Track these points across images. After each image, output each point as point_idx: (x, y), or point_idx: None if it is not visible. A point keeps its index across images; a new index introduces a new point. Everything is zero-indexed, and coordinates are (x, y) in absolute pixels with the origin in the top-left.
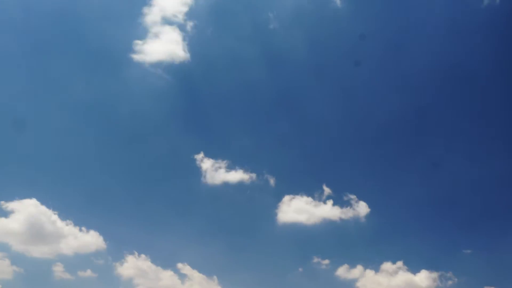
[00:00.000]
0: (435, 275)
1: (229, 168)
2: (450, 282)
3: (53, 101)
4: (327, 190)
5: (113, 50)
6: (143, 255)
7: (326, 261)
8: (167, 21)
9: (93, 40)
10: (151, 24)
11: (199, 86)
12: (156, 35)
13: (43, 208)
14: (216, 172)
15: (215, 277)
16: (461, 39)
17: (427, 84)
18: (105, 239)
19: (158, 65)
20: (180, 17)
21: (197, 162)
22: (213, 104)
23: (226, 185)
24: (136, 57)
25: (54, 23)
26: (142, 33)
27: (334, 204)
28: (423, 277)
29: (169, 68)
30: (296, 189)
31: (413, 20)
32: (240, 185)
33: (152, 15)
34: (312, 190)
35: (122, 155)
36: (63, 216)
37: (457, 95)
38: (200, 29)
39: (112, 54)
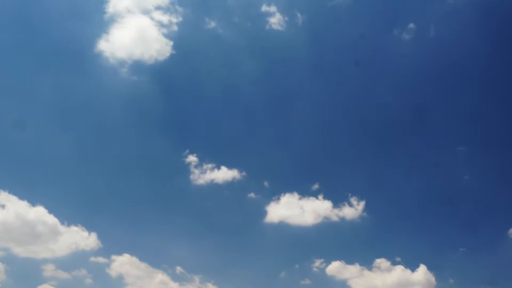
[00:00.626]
0: (431, 273)
1: (220, 167)
2: (445, 281)
3: (49, 102)
4: (321, 189)
5: (80, 45)
6: (135, 255)
7: (321, 260)
8: (140, 9)
9: (57, 36)
10: (122, 14)
11: (186, 82)
12: (129, 26)
13: (33, 206)
14: (207, 172)
15: (207, 277)
16: (460, 37)
17: (423, 83)
18: (97, 238)
19: (139, 61)
20: (158, 4)
21: (188, 162)
22: (199, 102)
23: (217, 184)
24: (113, 53)
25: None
26: (109, 25)
27: (328, 203)
28: (420, 275)
29: (151, 64)
30: (290, 188)
31: (412, 19)
32: (232, 184)
33: (122, 2)
34: (305, 189)
35: (110, 154)
36: (53, 214)
37: (455, 93)
38: (184, 19)
39: (80, 50)
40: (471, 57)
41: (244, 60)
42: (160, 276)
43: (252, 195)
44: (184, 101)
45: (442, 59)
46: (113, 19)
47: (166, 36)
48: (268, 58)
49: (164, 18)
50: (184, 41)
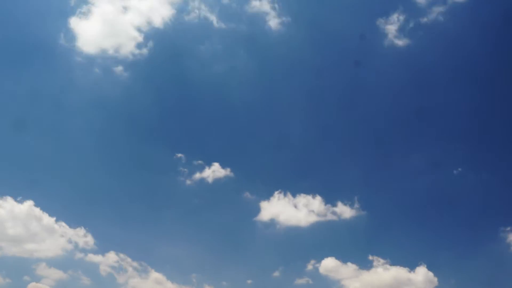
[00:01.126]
0: (429, 272)
1: (214, 166)
2: (443, 280)
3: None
4: (316, 187)
5: (47, 39)
6: (128, 254)
7: (316, 259)
8: None
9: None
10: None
11: (174, 79)
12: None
13: (25, 205)
14: (200, 171)
15: (201, 275)
16: (462, 39)
17: (418, 81)
18: (91, 237)
19: (120, 56)
20: None
21: (181, 162)
22: (190, 100)
23: (211, 184)
24: (88, 48)
25: None
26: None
27: (323, 201)
28: (417, 274)
29: (134, 58)
30: (284, 186)
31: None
32: (225, 183)
33: None
34: (300, 187)
35: (102, 155)
36: (47, 213)
37: (450, 91)
38: (168, 6)
39: (51, 45)
40: (466, 54)
41: (236, 55)
42: (154, 275)
43: (246, 194)
44: (174, 98)
45: (436, 56)
46: (82, 8)
47: (147, 27)
48: (261, 52)
49: (144, 5)
50: (168, 33)
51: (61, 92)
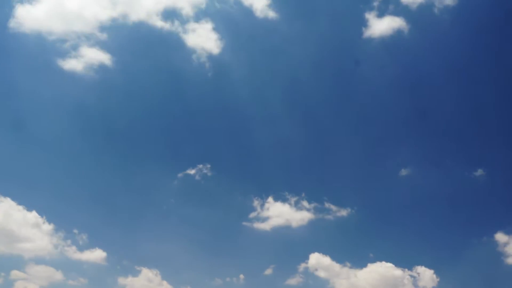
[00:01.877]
0: (427, 272)
1: (206, 167)
2: (441, 279)
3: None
4: (310, 187)
5: None
6: (117, 253)
7: (310, 259)
8: None
9: None
10: None
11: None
12: None
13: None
14: (191, 170)
15: (189, 273)
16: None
17: (421, 85)
18: (82, 237)
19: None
20: None
21: (169, 160)
22: (174, 96)
23: (203, 183)
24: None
25: None
26: None
27: (317, 201)
28: (413, 274)
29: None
30: (277, 187)
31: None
32: (218, 183)
33: None
34: (294, 187)
35: (88, 155)
36: (36, 212)
37: (447, 90)
38: None
39: None
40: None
41: (226, 48)
42: (145, 273)
43: (237, 193)
44: (158, 93)
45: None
46: None
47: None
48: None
49: None
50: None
51: (37, 89)
